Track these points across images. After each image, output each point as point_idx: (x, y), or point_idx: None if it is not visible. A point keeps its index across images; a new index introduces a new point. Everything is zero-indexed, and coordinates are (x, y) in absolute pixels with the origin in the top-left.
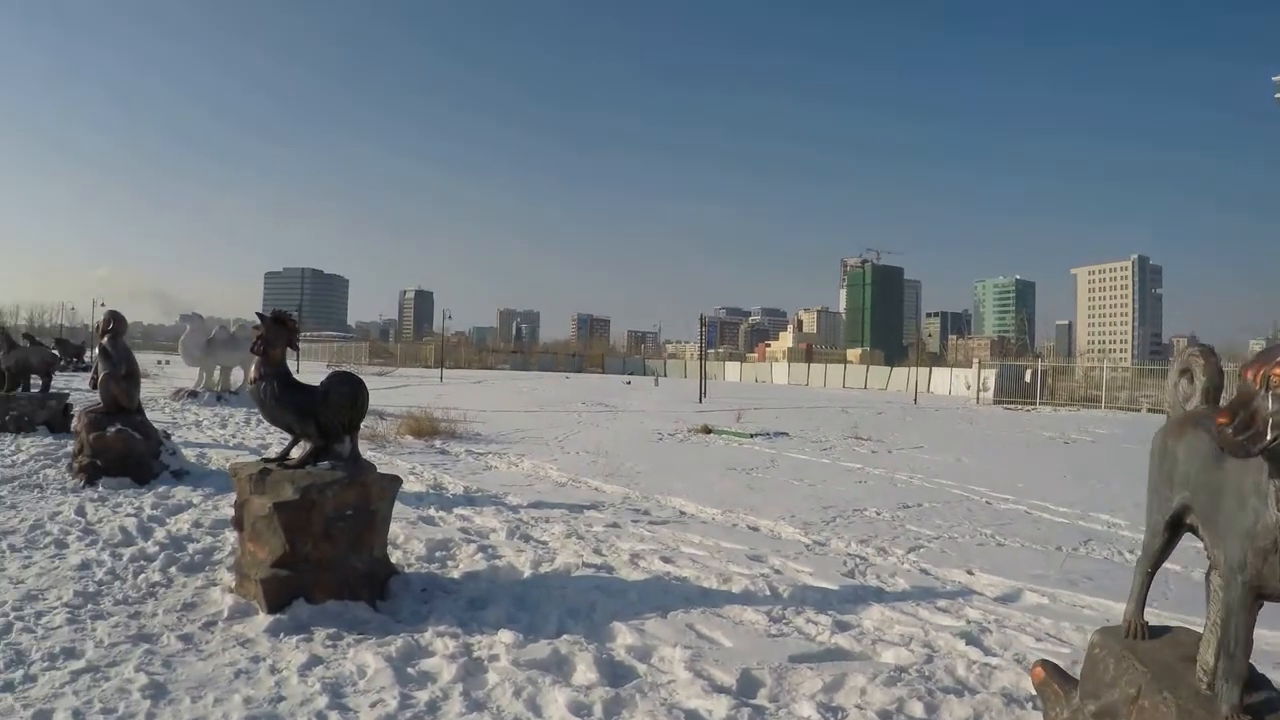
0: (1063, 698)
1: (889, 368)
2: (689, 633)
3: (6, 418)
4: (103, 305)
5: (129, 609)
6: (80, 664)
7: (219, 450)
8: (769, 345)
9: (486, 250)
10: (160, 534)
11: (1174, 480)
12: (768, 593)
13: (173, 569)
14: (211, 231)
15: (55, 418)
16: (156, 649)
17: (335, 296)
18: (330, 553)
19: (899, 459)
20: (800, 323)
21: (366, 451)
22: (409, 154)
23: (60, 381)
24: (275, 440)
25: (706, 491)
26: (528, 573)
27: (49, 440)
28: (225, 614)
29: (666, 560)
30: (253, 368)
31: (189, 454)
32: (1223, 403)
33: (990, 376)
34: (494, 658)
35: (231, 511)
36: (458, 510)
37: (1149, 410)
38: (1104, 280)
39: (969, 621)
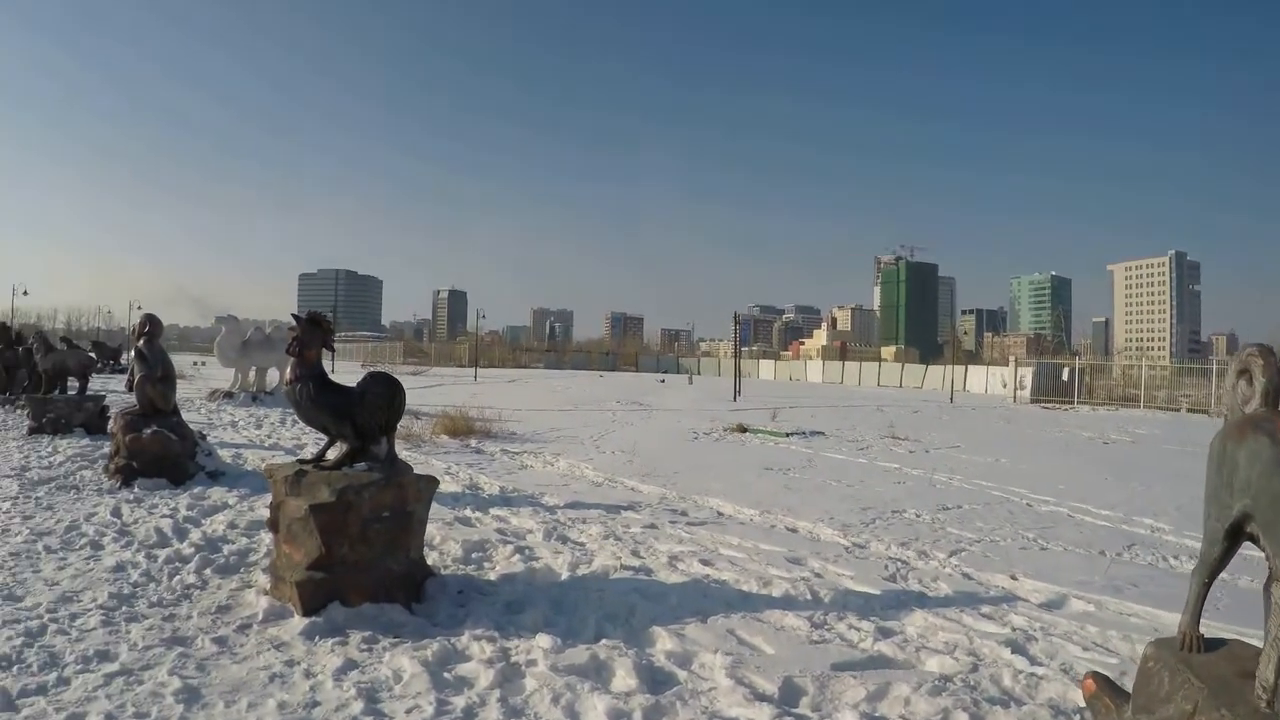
0: (1114, 712)
1: (924, 365)
2: (729, 638)
3: (44, 420)
4: (139, 308)
5: (163, 611)
6: (114, 667)
7: (255, 451)
8: (803, 343)
9: (520, 249)
10: (195, 535)
11: (1234, 487)
12: (808, 597)
13: (207, 571)
14: (246, 234)
15: (92, 420)
16: (190, 652)
17: (369, 297)
18: (366, 555)
19: (937, 459)
20: (834, 320)
21: (401, 451)
22: (444, 158)
23: (97, 384)
24: (311, 441)
25: (744, 492)
26: (565, 575)
27: (85, 442)
28: (260, 617)
29: (705, 563)
30: (289, 369)
31: (224, 455)
32: None
33: (1027, 375)
34: (531, 663)
35: (267, 513)
36: (494, 511)
37: (1189, 410)
38: (1141, 277)
39: (1014, 629)
